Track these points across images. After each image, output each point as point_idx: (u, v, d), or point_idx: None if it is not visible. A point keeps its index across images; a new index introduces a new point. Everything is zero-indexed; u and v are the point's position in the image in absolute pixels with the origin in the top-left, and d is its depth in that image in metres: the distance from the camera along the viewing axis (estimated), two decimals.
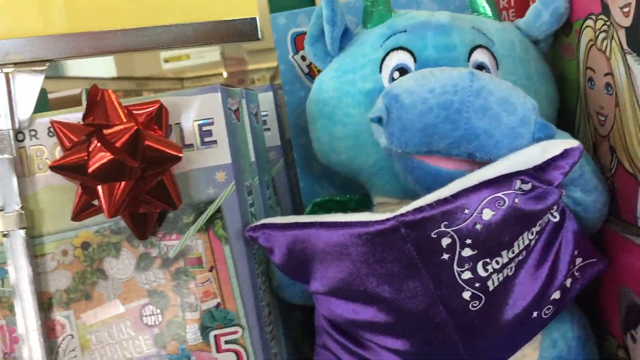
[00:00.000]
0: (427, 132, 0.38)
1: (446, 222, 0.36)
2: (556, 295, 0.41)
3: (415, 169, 0.41)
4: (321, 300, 0.44)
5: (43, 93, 0.46)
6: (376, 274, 0.39)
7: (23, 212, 0.44)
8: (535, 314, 0.41)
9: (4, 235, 0.44)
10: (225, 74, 1.69)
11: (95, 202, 0.43)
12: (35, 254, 0.45)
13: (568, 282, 0.42)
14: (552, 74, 0.49)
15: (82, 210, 0.43)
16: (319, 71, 0.59)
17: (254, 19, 0.46)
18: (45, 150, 0.45)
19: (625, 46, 0.38)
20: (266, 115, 0.59)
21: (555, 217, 0.41)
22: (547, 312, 0.41)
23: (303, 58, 0.60)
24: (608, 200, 0.44)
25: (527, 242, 0.39)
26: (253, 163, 0.49)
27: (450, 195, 0.37)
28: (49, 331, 0.46)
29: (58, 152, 0.45)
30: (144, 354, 0.46)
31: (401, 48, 0.46)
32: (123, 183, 0.41)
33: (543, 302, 0.41)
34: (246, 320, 0.45)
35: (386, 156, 0.45)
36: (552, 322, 0.44)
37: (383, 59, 0.46)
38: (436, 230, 0.37)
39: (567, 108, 0.51)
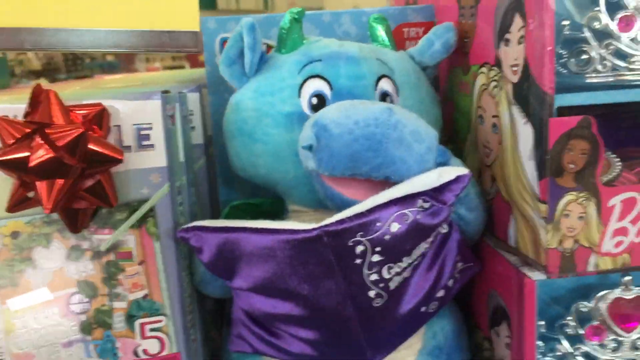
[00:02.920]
0: (352, 159, 0.44)
1: (361, 233, 0.43)
2: (441, 293, 0.50)
3: (335, 197, 0.47)
4: (242, 295, 0.50)
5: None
6: (298, 275, 0.45)
7: None
8: (423, 308, 0.49)
9: None
10: None
11: (30, 195, 0.45)
12: None
13: (450, 282, 0.51)
14: (437, 97, 0.58)
15: (18, 203, 0.45)
16: None
17: (196, 33, 0.49)
18: None
19: (511, 98, 0.47)
20: (192, 115, 0.62)
21: (444, 228, 0.49)
22: (432, 307, 0.50)
23: None
24: (486, 219, 0.53)
25: (422, 250, 0.47)
26: (182, 163, 0.53)
27: (366, 210, 0.43)
28: None
29: None
30: (69, 339, 0.49)
31: (318, 76, 0.51)
32: (62, 180, 0.43)
33: (430, 299, 0.49)
34: (171, 310, 0.49)
35: (304, 173, 0.50)
36: (433, 317, 0.52)
37: (301, 85, 0.51)
38: (353, 239, 0.43)
39: (460, 136, 0.59)
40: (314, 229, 0.44)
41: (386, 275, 0.45)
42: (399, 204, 0.44)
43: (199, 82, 0.64)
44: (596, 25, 0.45)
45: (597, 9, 0.43)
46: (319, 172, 0.46)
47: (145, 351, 0.49)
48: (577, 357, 0.51)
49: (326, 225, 0.43)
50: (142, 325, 0.49)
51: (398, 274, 0.46)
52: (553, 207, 0.43)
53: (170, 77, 0.94)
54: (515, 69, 0.46)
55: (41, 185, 0.43)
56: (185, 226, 0.48)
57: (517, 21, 0.45)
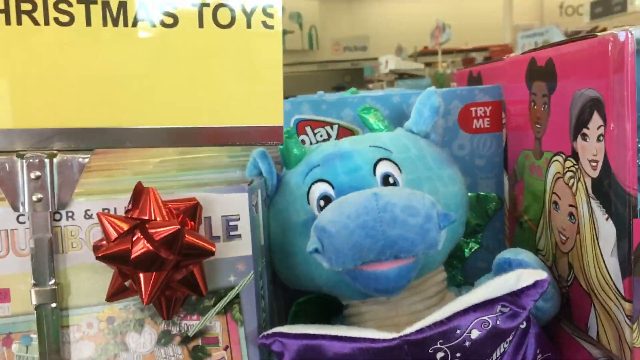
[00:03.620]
0: (355, 249, 0.47)
1: (442, 340, 0.44)
2: None
3: (358, 277, 0.49)
4: None
5: None
6: None
7: (56, 287, 0.48)
8: None
9: (36, 309, 0.48)
10: None
11: (127, 284, 0.48)
12: (61, 325, 0.49)
13: None
14: (449, 157, 0.59)
15: (117, 292, 0.47)
16: None
17: (280, 127, 0.52)
18: (79, 230, 0.49)
19: (590, 192, 0.48)
20: None
21: (522, 324, 0.49)
22: None
23: (303, 142, 0.66)
24: (560, 304, 0.53)
25: (502, 350, 0.47)
26: (262, 246, 0.55)
27: (445, 318, 0.45)
28: None
29: (92, 233, 0.49)
30: None
31: (319, 180, 0.55)
32: (159, 274, 0.46)
33: None
34: None
35: (334, 272, 0.52)
36: None
37: (308, 192, 0.55)
38: (433, 347, 0.44)
39: (531, 216, 0.60)
40: (394, 339, 0.45)
41: None
42: (478, 310, 0.45)
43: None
44: None
45: None
46: (333, 269, 0.48)
47: None
48: None
49: (406, 335, 0.45)
50: None
51: None
52: (638, 306, 0.43)
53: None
54: (594, 164, 0.47)
55: (139, 277, 0.46)
56: (266, 333, 0.50)
57: (596, 119, 0.46)
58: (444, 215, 0.48)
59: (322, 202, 0.54)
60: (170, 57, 0.50)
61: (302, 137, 0.67)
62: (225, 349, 0.50)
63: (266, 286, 0.55)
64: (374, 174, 0.53)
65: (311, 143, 0.67)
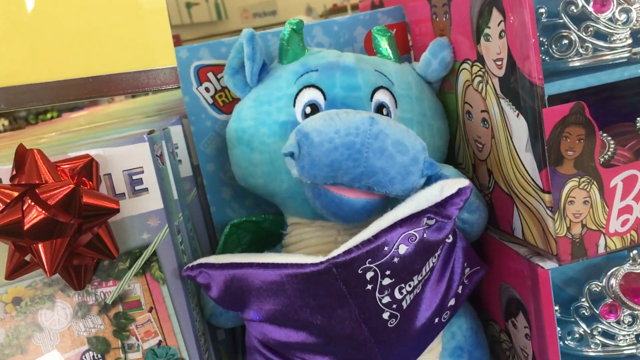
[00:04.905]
0: (332, 167, 0.44)
1: (370, 259, 0.43)
2: (452, 302, 0.50)
3: (322, 196, 0.47)
4: (254, 326, 0.49)
5: None
6: (309, 306, 0.44)
7: None
8: (437, 320, 0.49)
9: None
10: None
11: (28, 258, 0.43)
12: None
13: (460, 289, 0.51)
14: (443, 110, 0.57)
15: (17, 269, 0.43)
16: (223, 102, 0.63)
17: (174, 68, 0.48)
18: None
19: (499, 92, 0.47)
20: (177, 148, 0.61)
21: (449, 239, 0.49)
22: (445, 317, 0.50)
23: (207, 89, 0.63)
24: (487, 215, 0.53)
25: (431, 264, 0.46)
26: (176, 201, 0.52)
27: (372, 236, 0.43)
28: None
29: None
30: None
31: (313, 86, 0.51)
32: (60, 241, 0.42)
33: (442, 310, 0.49)
34: (187, 353, 0.48)
35: (298, 182, 0.50)
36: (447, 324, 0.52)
37: (297, 95, 0.51)
38: (362, 267, 0.43)
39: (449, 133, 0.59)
40: (321, 262, 0.43)
41: (398, 296, 0.45)
42: (404, 225, 0.44)
43: (166, 109, 0.63)
44: (573, 9, 0.46)
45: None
46: (301, 179, 0.45)
47: None
48: (596, 337, 0.51)
49: (334, 258, 0.43)
50: None
51: (409, 292, 0.46)
52: (557, 196, 0.43)
53: (136, 107, 0.92)
54: (499, 63, 0.46)
55: (38, 248, 0.42)
56: (190, 265, 0.47)
57: (496, 15, 0.45)
58: (430, 164, 0.45)
59: (308, 109, 0.50)
60: (55, 9, 0.45)
61: (206, 84, 0.63)
62: (150, 310, 0.47)
63: (187, 241, 0.52)
64: (371, 100, 0.51)
65: (216, 90, 0.63)
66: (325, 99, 0.50)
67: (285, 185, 0.52)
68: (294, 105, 0.51)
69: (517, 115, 0.45)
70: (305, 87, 0.51)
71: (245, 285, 0.45)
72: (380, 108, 0.51)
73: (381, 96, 0.51)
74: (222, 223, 0.64)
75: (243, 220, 0.58)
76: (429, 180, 0.49)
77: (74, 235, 0.43)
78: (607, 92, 0.46)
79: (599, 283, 0.51)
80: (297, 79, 0.52)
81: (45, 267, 0.41)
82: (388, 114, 0.51)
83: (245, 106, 0.54)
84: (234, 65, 0.54)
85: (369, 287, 0.44)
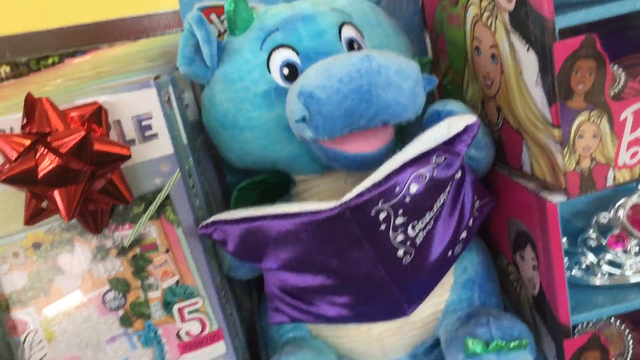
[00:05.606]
0: (347, 116, 0.43)
1: (382, 200, 0.43)
2: (464, 235, 0.50)
3: (338, 157, 0.47)
4: (273, 274, 0.50)
5: None
6: (325, 252, 0.45)
7: None
8: (450, 253, 0.50)
9: None
10: None
11: (44, 205, 0.44)
12: None
13: (471, 222, 0.51)
14: (398, 25, 0.56)
15: (35, 215, 0.44)
16: None
17: (177, 12, 0.47)
18: None
19: (509, 26, 0.46)
20: (183, 92, 0.61)
21: (458, 175, 0.49)
22: (457, 249, 0.51)
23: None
24: (495, 152, 0.53)
25: (442, 201, 0.47)
26: (186, 146, 0.52)
27: (383, 178, 0.43)
28: (10, 330, 0.47)
29: None
30: (112, 335, 0.49)
31: (281, 46, 0.50)
32: (75, 187, 0.43)
33: (455, 243, 0.50)
34: (205, 291, 0.50)
35: (299, 144, 0.50)
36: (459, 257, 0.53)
37: (268, 60, 0.50)
38: (375, 208, 0.43)
39: (456, 69, 0.58)
40: (335, 207, 0.43)
41: (411, 234, 0.46)
42: (414, 165, 0.44)
43: (169, 52, 0.62)
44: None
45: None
46: (317, 139, 0.45)
47: (188, 333, 0.50)
48: (603, 266, 0.52)
49: (346, 202, 0.43)
50: (180, 309, 0.50)
51: (422, 229, 0.47)
52: (567, 130, 0.43)
53: (138, 50, 0.91)
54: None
55: (54, 195, 0.42)
56: (205, 222, 0.48)
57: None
58: (428, 80, 0.45)
59: (286, 70, 0.49)
60: None
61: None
62: (166, 252, 0.49)
63: (199, 185, 0.53)
64: (340, 39, 0.50)
65: (219, 32, 0.62)
66: (298, 54, 0.49)
67: (286, 152, 0.51)
68: (269, 72, 0.50)
69: (527, 50, 0.44)
70: (274, 49, 0.50)
71: (261, 237, 0.46)
72: (350, 44, 0.51)
73: (347, 32, 0.51)
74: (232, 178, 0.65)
75: (249, 183, 0.58)
76: (438, 117, 0.49)
77: (87, 181, 0.43)
78: (619, 22, 0.45)
79: (606, 214, 0.52)
80: (262, 44, 0.50)
81: (62, 213, 0.42)
82: (359, 48, 0.51)
83: (216, 90, 0.51)
84: (188, 54, 0.51)
85: (383, 227, 0.44)
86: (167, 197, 0.48)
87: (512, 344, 0.47)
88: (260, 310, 0.62)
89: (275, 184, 0.58)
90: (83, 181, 0.43)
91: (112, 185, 0.45)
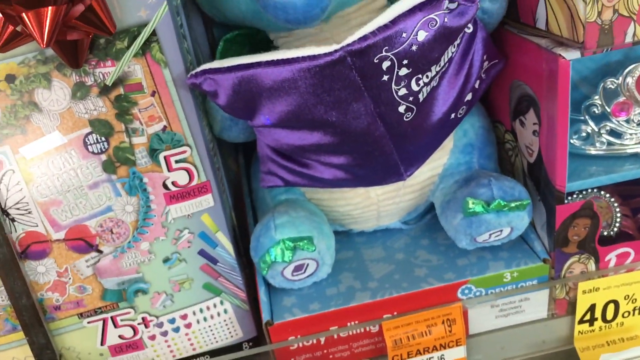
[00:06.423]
0: None
1: (387, 47, 0.40)
2: (469, 97, 0.48)
3: (267, 6, 0.41)
4: (265, 132, 0.47)
5: None
6: (324, 103, 0.42)
7: None
8: (452, 115, 0.48)
9: None
10: None
11: (19, 29, 0.40)
12: None
13: (477, 84, 0.49)
14: None
15: (9, 41, 0.40)
16: None
17: None
18: None
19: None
20: None
21: (469, 28, 0.46)
22: (461, 112, 0.48)
23: None
24: (507, 5, 0.50)
25: (450, 54, 0.44)
26: None
27: (390, 22, 0.39)
28: None
29: None
30: (94, 180, 0.47)
31: None
32: (51, 8, 0.38)
33: (459, 105, 0.47)
34: (193, 140, 0.47)
35: (251, 1, 0.46)
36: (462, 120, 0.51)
37: None
38: (378, 55, 0.40)
39: None
40: (335, 51, 0.40)
41: (415, 88, 0.43)
42: (424, 9, 0.40)
43: None
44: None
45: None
46: None
47: (175, 183, 0.48)
48: (603, 135, 0.51)
49: (348, 45, 0.40)
50: (167, 157, 0.47)
51: (427, 84, 0.44)
52: None
53: None
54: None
55: (29, 17, 0.38)
56: (194, 71, 0.44)
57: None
58: None
59: None
60: None
61: None
62: (153, 94, 0.45)
63: (186, 27, 0.49)
64: None
65: None
66: None
67: (243, 7, 0.47)
68: None
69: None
70: None
71: (255, 86, 0.43)
72: None
73: None
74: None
75: (235, 35, 0.54)
76: None
77: (65, 5, 0.39)
78: None
79: (615, 80, 0.49)
80: None
81: (38, 36, 0.38)
82: None
83: None
84: None
85: (385, 78, 0.41)
86: (154, 33, 0.44)
87: (513, 204, 0.47)
88: (251, 172, 0.60)
89: (262, 40, 0.54)
90: (60, 3, 0.39)
91: (92, 12, 0.40)
